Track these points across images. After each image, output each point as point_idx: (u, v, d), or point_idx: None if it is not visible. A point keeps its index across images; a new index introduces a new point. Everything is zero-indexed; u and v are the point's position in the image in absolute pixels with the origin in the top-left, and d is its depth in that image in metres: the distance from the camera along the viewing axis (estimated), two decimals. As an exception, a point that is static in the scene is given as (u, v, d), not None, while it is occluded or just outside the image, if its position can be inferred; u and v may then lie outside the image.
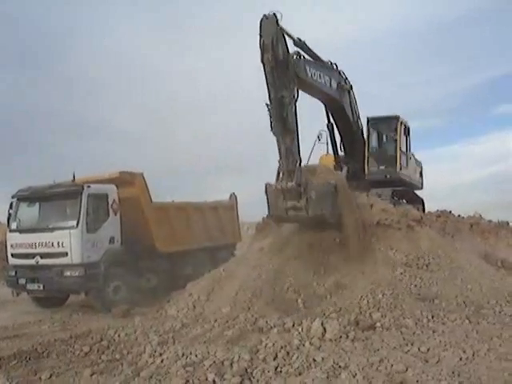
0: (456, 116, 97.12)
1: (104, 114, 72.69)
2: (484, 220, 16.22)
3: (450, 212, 16.18)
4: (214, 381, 7.09)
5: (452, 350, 7.90)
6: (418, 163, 18.92)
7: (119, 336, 9.99)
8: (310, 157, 16.90)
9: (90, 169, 15.48)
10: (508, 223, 16.63)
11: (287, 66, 11.03)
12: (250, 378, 7.15)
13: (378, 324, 9.42)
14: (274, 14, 10.68)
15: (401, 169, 16.39)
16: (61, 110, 72.24)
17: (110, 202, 14.32)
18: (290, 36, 11.77)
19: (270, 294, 10.91)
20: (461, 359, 7.52)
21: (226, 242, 19.21)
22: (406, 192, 16.97)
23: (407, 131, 17.15)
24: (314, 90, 13.07)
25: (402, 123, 16.62)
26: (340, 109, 14.97)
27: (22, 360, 9.03)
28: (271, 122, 11.09)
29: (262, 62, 10.76)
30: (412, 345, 8.23)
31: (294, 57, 11.56)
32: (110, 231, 14.29)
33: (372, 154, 16.63)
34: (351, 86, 14.93)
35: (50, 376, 8.07)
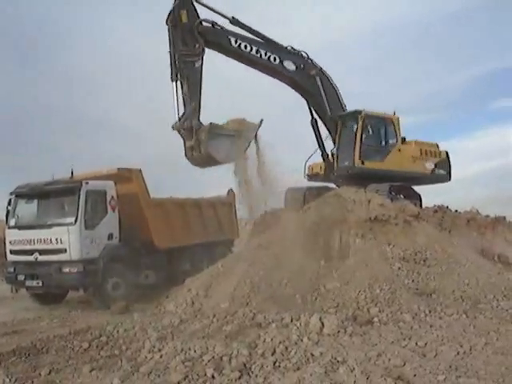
0: (454, 110, 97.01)
1: (105, 112, 72.46)
2: (481, 215, 16.21)
3: (447, 207, 16.17)
4: (212, 376, 7.11)
5: (449, 345, 7.96)
6: (432, 154, 18.06)
7: (118, 332, 10.02)
8: (309, 157, 17.70)
9: (91, 166, 15.53)
10: (505, 218, 16.64)
11: (196, 29, 13.79)
12: (248, 373, 7.17)
13: (376, 319, 9.48)
14: None
15: (363, 163, 16.30)
16: (62, 107, 72.15)
17: (109, 199, 14.32)
18: (221, 15, 14.58)
19: (268, 289, 10.95)
20: (458, 353, 7.57)
21: (224, 238, 19.19)
22: (404, 187, 16.97)
23: (392, 122, 17.05)
24: (253, 64, 15.30)
25: (363, 116, 16.53)
26: (309, 95, 16.40)
27: (21, 356, 9.04)
28: (171, 71, 13.57)
29: (166, 23, 13.70)
30: (409, 339, 8.29)
31: (203, 23, 14.03)
32: (109, 228, 14.30)
33: (340, 149, 16.91)
34: (317, 73, 16.09)
35: (50, 372, 8.08)
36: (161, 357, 8.12)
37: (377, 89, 78.73)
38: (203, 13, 14.18)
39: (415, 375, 6.73)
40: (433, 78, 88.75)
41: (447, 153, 18.45)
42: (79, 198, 13.59)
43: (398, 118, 17.32)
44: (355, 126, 16.67)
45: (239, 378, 7.01)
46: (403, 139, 17.35)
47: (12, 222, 14.84)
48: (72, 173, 14.54)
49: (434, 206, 16.24)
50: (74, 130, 70.34)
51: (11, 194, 15.01)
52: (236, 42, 14.78)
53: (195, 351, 8.06)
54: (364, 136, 16.59)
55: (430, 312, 9.84)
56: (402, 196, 16.59)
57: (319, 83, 16.24)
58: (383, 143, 17.17)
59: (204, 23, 14.21)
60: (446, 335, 8.44)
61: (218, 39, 14.50)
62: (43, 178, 14.92)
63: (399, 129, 17.23)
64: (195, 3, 14.14)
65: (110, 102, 76.03)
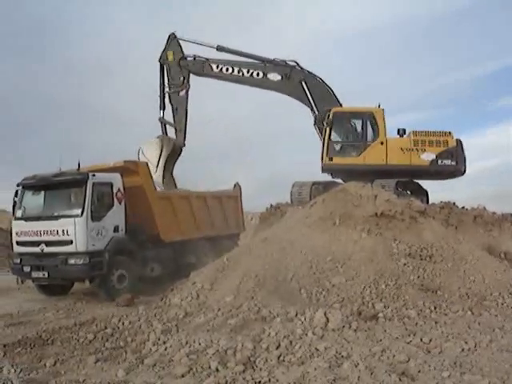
0: (456, 108, 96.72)
1: (112, 103, 72.80)
2: (488, 212, 16.11)
3: (454, 204, 16.07)
4: (217, 369, 7.14)
5: (454, 341, 7.95)
6: (434, 144, 16.80)
7: (123, 324, 10.04)
8: None
9: (98, 159, 15.72)
10: (512, 215, 16.54)
11: (178, 65, 18.37)
12: (252, 367, 7.19)
13: (381, 314, 9.46)
14: (173, 33, 18.50)
15: (331, 159, 16.81)
16: (68, 99, 72.39)
17: (115, 191, 14.36)
18: (207, 45, 18.20)
19: (273, 283, 10.92)
20: (463, 350, 7.57)
21: (230, 232, 19.25)
22: (410, 183, 16.91)
23: (372, 117, 16.94)
24: (237, 82, 18.50)
25: (332, 114, 16.89)
26: (298, 99, 18.07)
27: (26, 347, 9.09)
28: (160, 101, 18.66)
29: (159, 61, 18.56)
30: (414, 335, 8.29)
31: (187, 58, 18.44)
32: (115, 220, 14.35)
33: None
34: (303, 78, 17.79)
35: (55, 363, 8.13)
36: (165, 349, 8.15)
37: (379, 85, 78.90)
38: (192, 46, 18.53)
39: (419, 371, 6.74)
40: (434, 77, 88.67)
41: (458, 141, 16.95)
42: (86, 189, 13.64)
43: (382, 112, 17.06)
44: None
45: (243, 371, 7.03)
46: (403, 131, 17.13)
47: (19, 214, 14.88)
48: (79, 165, 14.56)
49: (441, 202, 16.16)
50: (81, 122, 70.62)
51: (18, 185, 15.04)
52: (218, 67, 18.22)
53: (200, 344, 8.09)
54: (334, 133, 17.12)
55: (435, 308, 9.81)
56: (408, 192, 16.54)
57: (305, 88, 17.76)
58: (360, 138, 17.16)
59: (188, 58, 18.49)
60: (450, 332, 8.43)
61: (201, 69, 18.46)
62: (50, 170, 14.95)
63: (383, 122, 16.97)
64: (181, 41, 18.43)
65: (117, 94, 76.27)
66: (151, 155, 18.02)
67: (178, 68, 18.51)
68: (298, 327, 8.58)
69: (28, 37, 74.51)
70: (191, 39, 18.53)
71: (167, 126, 19.17)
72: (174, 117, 18.74)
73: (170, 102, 18.74)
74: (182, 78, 18.43)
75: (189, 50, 18.68)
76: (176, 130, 18.78)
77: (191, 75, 18.78)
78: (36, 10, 76.01)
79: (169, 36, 18.63)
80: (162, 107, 18.74)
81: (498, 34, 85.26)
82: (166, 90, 18.74)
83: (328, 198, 13.44)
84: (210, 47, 18.23)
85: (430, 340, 8.01)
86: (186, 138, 18.96)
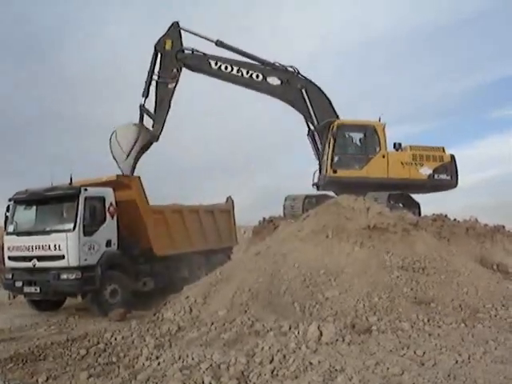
0: (452, 119, 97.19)
1: (105, 116, 72.62)
2: (480, 224, 16.19)
3: (446, 216, 16.16)
4: (210, 384, 7.11)
5: (448, 354, 7.95)
6: (431, 159, 17.45)
7: (116, 339, 9.98)
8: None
9: (91, 173, 15.55)
10: (504, 227, 16.61)
11: (175, 56, 16.89)
12: (246, 381, 7.17)
13: (374, 327, 9.44)
14: (177, 22, 17.03)
15: (335, 172, 16.76)
16: (60, 112, 72.20)
17: (107, 205, 14.32)
18: (207, 39, 17.17)
19: (266, 297, 10.91)
20: (457, 362, 7.57)
21: (223, 246, 19.20)
22: (403, 196, 16.97)
23: (374, 130, 17.13)
24: (235, 82, 17.54)
25: (336, 126, 16.91)
26: (296, 107, 17.56)
27: (18, 363, 9.03)
28: (144, 87, 16.89)
29: (154, 47, 16.92)
30: (408, 348, 8.27)
31: (184, 51, 17.06)
32: (107, 234, 14.29)
33: (321, 159, 17.58)
34: (304, 85, 17.22)
35: (47, 379, 8.07)
36: (158, 364, 8.11)
37: (380, 88, 79.47)
38: (191, 37, 17.15)
39: (413, 384, 6.73)
40: (432, 87, 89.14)
41: (452, 156, 17.71)
42: (78, 204, 13.61)
43: (383, 125, 17.31)
44: (328, 136, 17.08)
45: (237, 386, 7.00)
46: (399, 145, 17.39)
47: (10, 228, 14.82)
48: (71, 179, 14.52)
49: (433, 214, 16.23)
50: (73, 136, 70.45)
51: (10, 200, 15.01)
52: (216, 64, 17.11)
53: (193, 359, 8.05)
54: (338, 145, 16.95)
55: (428, 321, 9.80)
56: (400, 204, 16.60)
57: (305, 96, 17.18)
58: (362, 151, 17.28)
59: (185, 51, 17.10)
60: (444, 344, 8.43)
61: (198, 64, 17.27)
62: (42, 184, 14.91)
63: (384, 135, 17.22)
64: (182, 31, 17.11)
65: (111, 106, 76.22)
66: (125, 141, 16.74)
67: (173, 59, 17.05)
68: (292, 341, 8.56)
69: (27, 38, 74.66)
70: (193, 30, 17.20)
71: (145, 116, 17.33)
72: (155, 108, 17.13)
73: (156, 91, 17.16)
74: (174, 71, 17.07)
75: (186, 43, 17.50)
76: (154, 122, 17.10)
77: (184, 70, 17.42)
78: (35, 9, 76.16)
79: (172, 24, 17.20)
80: (146, 94, 17.13)
81: (499, 41, 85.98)
82: (155, 77, 17.11)
83: (321, 211, 13.47)
84: (210, 41, 17.19)
85: (424, 352, 8.01)
86: (162, 134, 17.28)
